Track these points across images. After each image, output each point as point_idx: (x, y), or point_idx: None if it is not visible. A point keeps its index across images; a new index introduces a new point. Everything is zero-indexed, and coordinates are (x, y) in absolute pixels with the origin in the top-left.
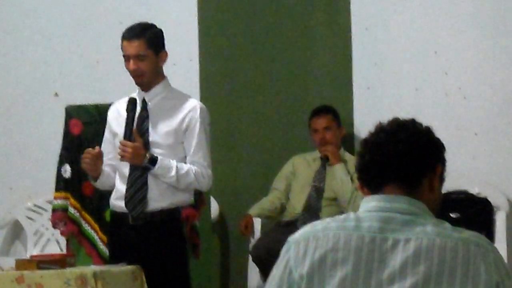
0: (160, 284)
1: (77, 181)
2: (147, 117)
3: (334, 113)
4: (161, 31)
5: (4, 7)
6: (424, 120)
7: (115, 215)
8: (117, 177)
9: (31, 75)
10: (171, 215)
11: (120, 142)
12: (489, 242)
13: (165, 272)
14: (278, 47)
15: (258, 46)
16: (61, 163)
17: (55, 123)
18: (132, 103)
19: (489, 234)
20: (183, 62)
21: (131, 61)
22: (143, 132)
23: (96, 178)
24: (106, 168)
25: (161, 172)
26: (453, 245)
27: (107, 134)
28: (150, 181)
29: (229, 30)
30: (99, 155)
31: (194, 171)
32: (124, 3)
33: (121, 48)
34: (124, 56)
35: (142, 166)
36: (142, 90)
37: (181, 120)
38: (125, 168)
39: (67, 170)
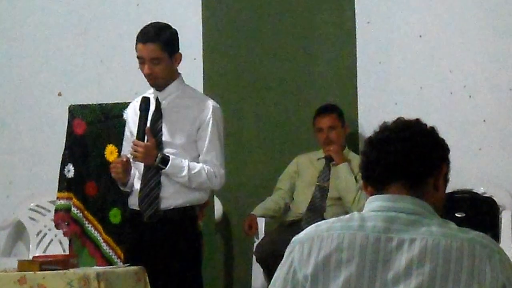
0: (172, 282)
1: (80, 181)
2: (161, 116)
3: (339, 112)
4: (175, 33)
5: (7, 7)
6: (429, 118)
7: (132, 213)
8: (136, 175)
9: (34, 74)
10: (186, 213)
11: (132, 142)
12: (494, 242)
13: (178, 270)
14: (282, 46)
15: (262, 44)
16: (64, 163)
17: (59, 122)
18: (144, 102)
19: (495, 233)
20: (187, 60)
21: (146, 65)
22: (156, 132)
23: (125, 184)
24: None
25: (173, 172)
26: (458, 245)
27: (127, 132)
28: (164, 180)
29: (233, 28)
30: (128, 163)
31: (206, 171)
32: (128, 3)
33: (136, 49)
34: (138, 57)
35: (154, 166)
36: (156, 89)
37: (194, 120)
38: (141, 167)
39: (70, 170)
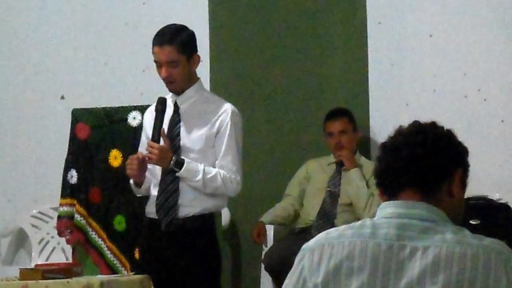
0: None
1: (84, 187)
2: (179, 121)
3: (350, 116)
4: (193, 34)
5: (10, 10)
6: (443, 122)
7: (149, 221)
8: (152, 182)
9: (36, 77)
10: (204, 221)
11: (147, 144)
12: (510, 250)
13: (196, 279)
14: (291, 48)
15: (270, 46)
16: (67, 169)
17: (62, 127)
18: (161, 103)
19: (510, 241)
20: None
21: (163, 68)
22: (174, 137)
23: (140, 184)
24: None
25: (187, 175)
26: (473, 253)
27: (143, 137)
28: (182, 186)
29: (240, 30)
30: (144, 161)
31: (221, 176)
32: (133, 4)
33: (152, 53)
34: (155, 62)
35: (168, 169)
36: (175, 93)
37: (212, 124)
38: (159, 174)
39: (73, 176)
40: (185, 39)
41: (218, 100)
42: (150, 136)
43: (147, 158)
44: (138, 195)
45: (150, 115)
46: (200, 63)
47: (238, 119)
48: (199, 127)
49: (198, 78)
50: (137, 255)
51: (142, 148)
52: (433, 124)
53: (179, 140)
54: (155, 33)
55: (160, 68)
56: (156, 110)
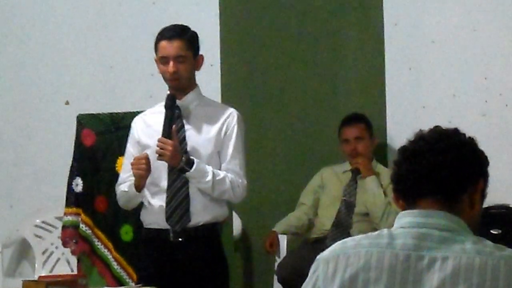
0: None
1: (89, 195)
2: (183, 125)
3: (366, 122)
4: (197, 34)
5: (14, 14)
6: (462, 128)
7: (151, 232)
8: (148, 192)
9: (39, 81)
10: (211, 230)
11: (158, 140)
12: None
13: None
14: (305, 51)
15: (283, 49)
16: (72, 177)
17: (66, 133)
18: (170, 99)
19: None
20: (203, 67)
21: (171, 63)
22: (180, 141)
23: (140, 189)
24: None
25: (197, 175)
26: (494, 263)
27: (130, 149)
28: (193, 193)
29: (252, 33)
30: (150, 162)
31: (229, 179)
32: (142, 8)
33: (157, 50)
34: (161, 58)
35: (178, 168)
36: (176, 97)
37: (220, 128)
38: (163, 181)
39: (78, 184)
40: (192, 36)
41: (220, 104)
42: (151, 146)
43: (157, 155)
44: (125, 207)
45: (142, 124)
46: (211, 66)
47: (242, 123)
48: (205, 131)
49: (197, 84)
50: None
51: (129, 160)
52: (456, 131)
53: (186, 144)
54: (159, 31)
55: (165, 65)
56: (165, 107)
